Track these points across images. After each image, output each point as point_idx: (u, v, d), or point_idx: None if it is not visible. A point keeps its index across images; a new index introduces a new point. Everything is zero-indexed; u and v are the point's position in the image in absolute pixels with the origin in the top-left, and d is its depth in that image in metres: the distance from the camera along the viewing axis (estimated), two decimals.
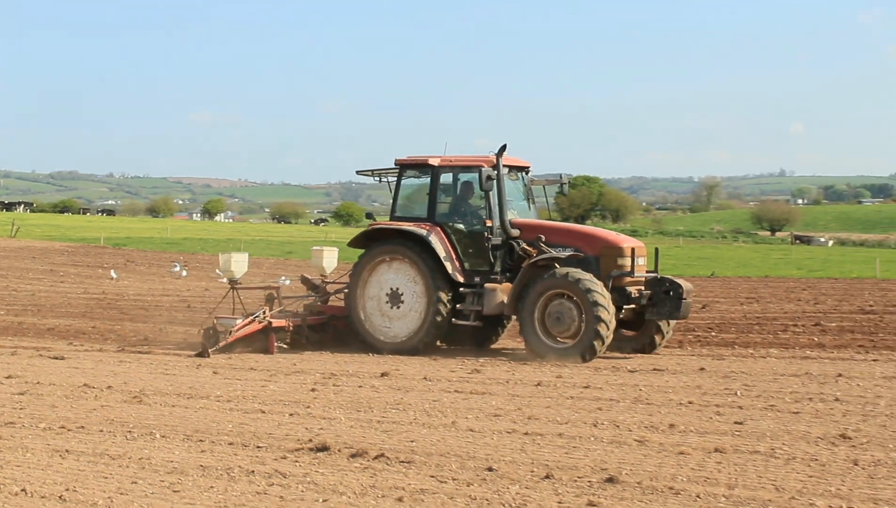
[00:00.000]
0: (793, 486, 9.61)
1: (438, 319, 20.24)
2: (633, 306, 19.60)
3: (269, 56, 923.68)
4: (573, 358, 18.74)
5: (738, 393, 15.00)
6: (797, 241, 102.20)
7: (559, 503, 9.18)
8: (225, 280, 22.77)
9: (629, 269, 19.65)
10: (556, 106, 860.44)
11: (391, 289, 20.79)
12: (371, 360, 19.47)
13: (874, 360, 18.88)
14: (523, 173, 21.57)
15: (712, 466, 10.45)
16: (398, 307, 20.73)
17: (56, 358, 19.50)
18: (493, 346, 21.95)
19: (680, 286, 19.43)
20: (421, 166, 21.23)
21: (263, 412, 13.93)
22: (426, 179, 21.22)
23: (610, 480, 9.86)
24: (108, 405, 14.46)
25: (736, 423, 12.70)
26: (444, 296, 20.21)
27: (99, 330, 24.81)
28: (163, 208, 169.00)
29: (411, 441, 11.84)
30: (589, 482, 9.89)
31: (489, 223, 20.33)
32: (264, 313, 20.99)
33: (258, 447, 11.71)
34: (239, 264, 22.01)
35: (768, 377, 16.70)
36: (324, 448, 11.40)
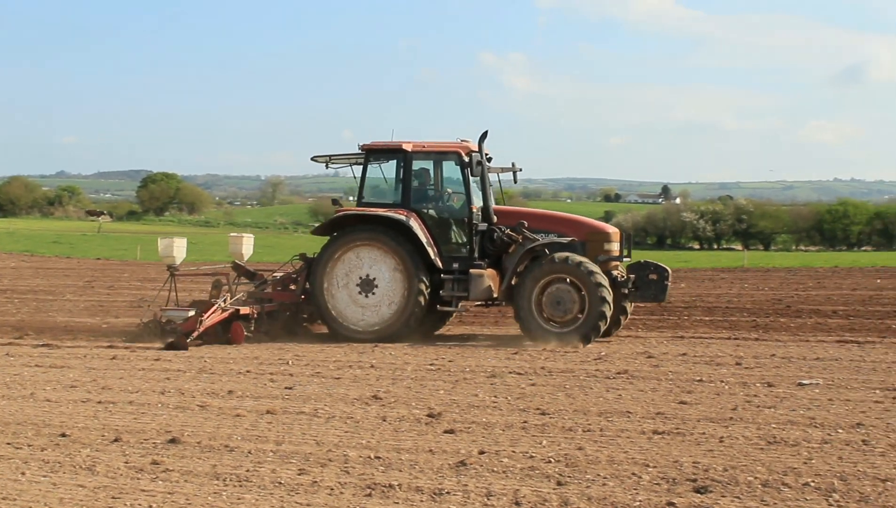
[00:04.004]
0: (331, 440, 9.83)
1: (420, 305, 17.69)
2: (620, 289, 17.71)
3: None
4: (575, 341, 16.81)
5: (290, 362, 15.15)
6: None
7: (126, 463, 8.96)
8: None
9: (617, 253, 17.97)
10: (135, 109, 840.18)
11: (362, 277, 17.98)
12: None
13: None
14: None
15: (264, 426, 10.53)
16: (370, 296, 17.94)
17: None
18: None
19: (666, 271, 17.83)
20: (392, 152, 18.42)
21: None
22: (380, 165, 18.78)
23: (173, 441, 9.74)
24: None
25: (286, 388, 12.84)
26: (425, 282, 17.65)
27: None
28: None
29: None
30: (154, 443, 9.73)
31: (474, 209, 18.01)
32: (224, 300, 17.72)
33: None
34: (179, 249, 18.74)
35: (316, 348, 16.96)
36: None
